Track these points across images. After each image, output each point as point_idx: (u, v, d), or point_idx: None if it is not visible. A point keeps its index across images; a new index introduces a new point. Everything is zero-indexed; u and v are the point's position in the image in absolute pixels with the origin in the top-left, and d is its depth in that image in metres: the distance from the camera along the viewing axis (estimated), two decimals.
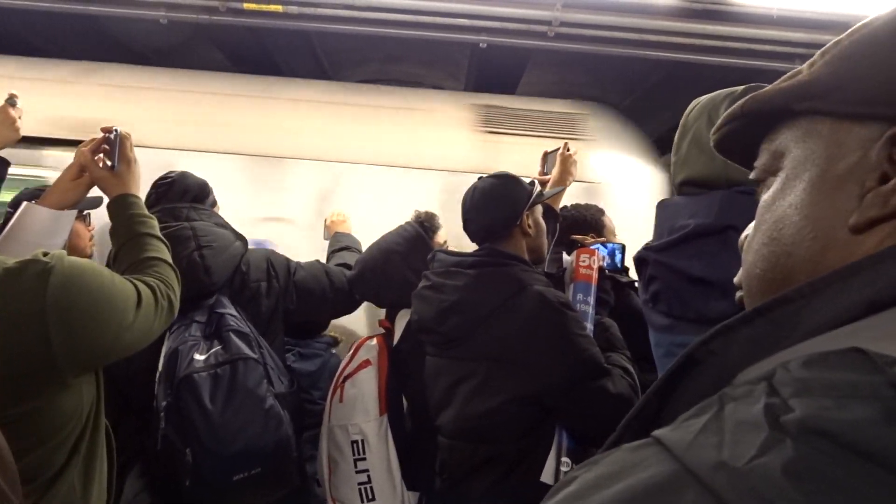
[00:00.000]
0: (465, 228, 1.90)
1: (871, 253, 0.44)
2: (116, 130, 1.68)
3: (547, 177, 2.34)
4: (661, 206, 1.42)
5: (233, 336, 1.85)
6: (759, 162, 0.59)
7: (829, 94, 0.51)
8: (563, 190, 2.18)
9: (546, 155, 2.44)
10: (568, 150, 2.31)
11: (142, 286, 1.42)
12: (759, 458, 0.31)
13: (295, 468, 1.90)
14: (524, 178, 1.90)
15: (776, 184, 0.56)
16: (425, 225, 2.21)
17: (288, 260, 2.20)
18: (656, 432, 0.38)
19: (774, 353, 0.43)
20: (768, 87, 0.57)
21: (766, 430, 0.32)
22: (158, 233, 1.64)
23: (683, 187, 1.38)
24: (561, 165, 2.30)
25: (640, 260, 1.42)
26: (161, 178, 2.11)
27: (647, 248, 1.40)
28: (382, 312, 2.31)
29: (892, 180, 0.46)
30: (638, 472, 0.35)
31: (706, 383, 0.45)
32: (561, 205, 2.33)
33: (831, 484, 0.29)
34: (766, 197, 0.57)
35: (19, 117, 1.83)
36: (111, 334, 1.28)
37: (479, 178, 1.89)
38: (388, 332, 2.17)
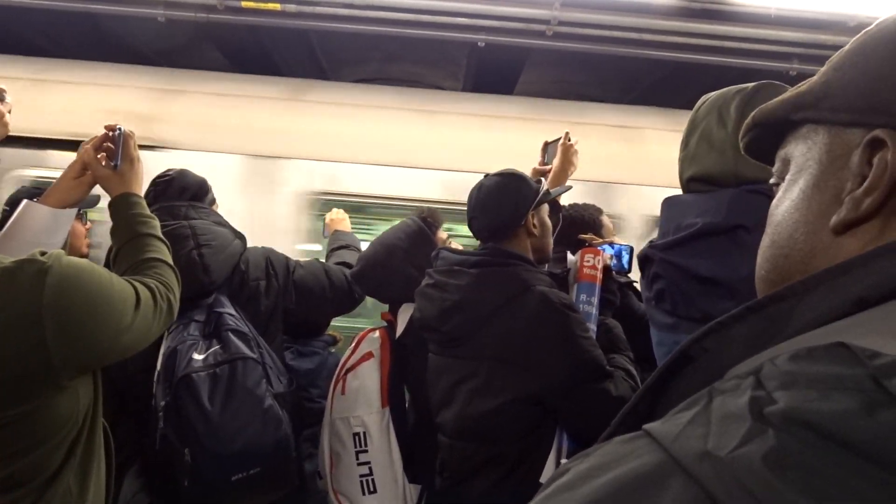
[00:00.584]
0: (470, 226, 1.88)
1: (856, 254, 0.46)
2: (120, 129, 1.67)
3: (547, 167, 2.32)
4: (668, 204, 1.41)
5: (231, 335, 1.84)
6: (774, 168, 0.61)
7: (819, 103, 0.54)
8: (570, 188, 2.16)
9: (546, 145, 2.41)
10: (569, 140, 2.29)
11: (141, 287, 1.41)
12: (741, 448, 0.32)
13: (294, 468, 1.89)
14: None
15: (781, 189, 0.58)
16: (427, 221, 2.20)
17: (287, 259, 2.19)
18: (647, 425, 0.39)
19: (766, 349, 0.44)
20: (775, 99, 0.60)
21: (750, 420, 0.33)
22: (160, 233, 1.63)
23: (691, 184, 1.37)
24: (562, 156, 2.27)
25: (644, 258, 1.41)
26: (160, 176, 2.10)
27: (652, 245, 1.39)
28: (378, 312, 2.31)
29: (865, 184, 0.48)
30: (627, 463, 0.36)
31: (699, 379, 0.46)
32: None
33: (811, 472, 0.29)
34: (773, 202, 0.59)
35: (9, 112, 1.81)
36: (109, 336, 1.27)
37: (486, 176, 1.88)
38: (391, 325, 2.17)
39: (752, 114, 0.63)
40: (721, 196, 1.25)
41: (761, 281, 0.59)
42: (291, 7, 3.31)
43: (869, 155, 0.48)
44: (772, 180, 0.61)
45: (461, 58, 4.24)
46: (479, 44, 3.34)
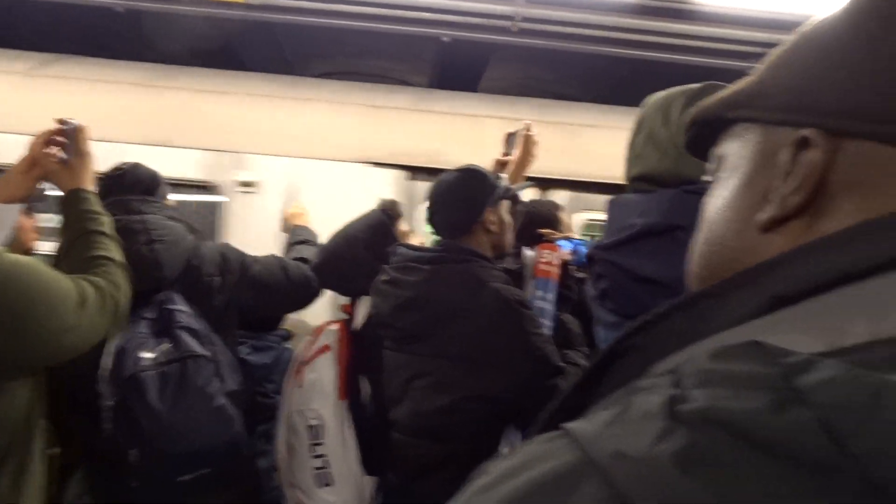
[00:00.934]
0: (430, 222, 1.88)
1: (782, 252, 0.46)
2: (72, 122, 1.63)
3: (509, 157, 2.31)
4: (613, 204, 1.42)
5: (183, 333, 1.80)
6: (710, 167, 0.61)
7: (752, 102, 0.54)
8: (530, 185, 2.15)
9: (509, 136, 2.40)
10: (529, 131, 2.28)
11: (87, 286, 1.38)
12: (653, 448, 0.32)
13: (246, 468, 1.88)
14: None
15: (714, 187, 0.58)
16: (388, 213, 2.19)
17: (243, 254, 2.15)
18: (568, 424, 0.39)
19: (689, 346, 0.44)
20: (713, 97, 0.60)
21: (664, 419, 0.33)
22: (111, 231, 1.59)
23: (636, 182, 1.39)
24: (522, 147, 2.25)
25: (589, 258, 1.43)
26: (111, 169, 2.06)
27: (596, 246, 1.41)
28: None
29: (790, 181, 0.48)
30: (545, 463, 0.36)
31: (627, 376, 0.46)
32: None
33: (720, 471, 0.29)
34: (707, 199, 0.59)
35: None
36: (50, 336, 1.24)
37: (447, 171, 1.87)
38: (350, 318, 2.15)
39: (691, 112, 0.64)
40: (662, 196, 1.26)
41: (693, 278, 0.59)
42: None
43: (796, 154, 0.48)
44: (707, 178, 0.61)
45: (428, 53, 4.22)
46: (443, 38, 3.33)
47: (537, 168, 2.27)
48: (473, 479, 0.41)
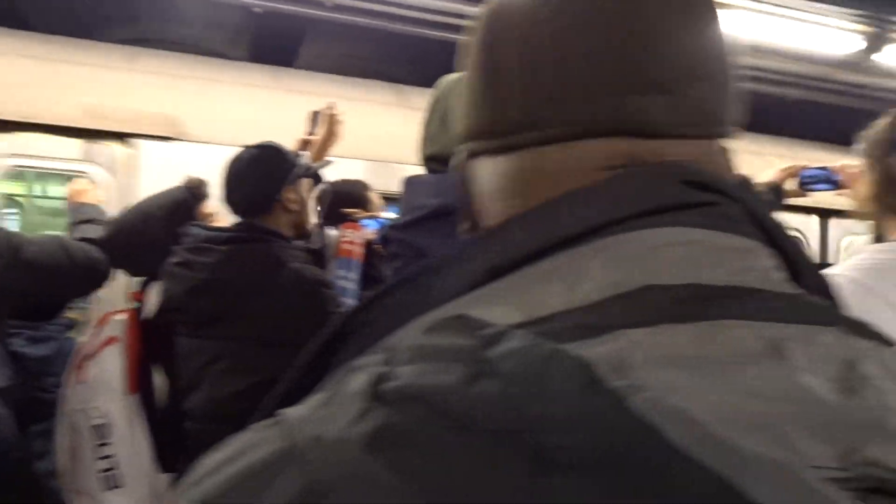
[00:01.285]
0: (225, 200, 1.80)
1: (499, 223, 0.48)
2: None
3: (314, 137, 2.25)
4: (408, 183, 1.43)
5: None
6: None
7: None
8: (330, 163, 2.10)
9: (314, 114, 2.33)
10: (333, 110, 2.21)
11: None
12: (348, 430, 0.30)
13: (21, 472, 1.71)
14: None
15: None
16: (193, 191, 2.05)
17: (12, 234, 1.93)
18: (283, 410, 0.36)
19: (411, 321, 0.44)
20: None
21: (365, 399, 0.32)
22: None
23: (429, 163, 1.41)
24: (326, 126, 2.17)
25: (384, 238, 1.44)
26: None
27: (391, 225, 1.43)
28: None
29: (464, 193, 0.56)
30: (254, 453, 0.33)
31: (354, 355, 0.44)
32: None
33: (407, 448, 0.28)
34: None
35: None
36: None
37: (245, 148, 1.80)
38: (140, 306, 2.00)
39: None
40: (454, 177, 1.28)
41: None
42: None
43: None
44: None
45: (247, 24, 4.03)
46: (255, 9, 3.18)
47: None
48: (195, 467, 0.37)
